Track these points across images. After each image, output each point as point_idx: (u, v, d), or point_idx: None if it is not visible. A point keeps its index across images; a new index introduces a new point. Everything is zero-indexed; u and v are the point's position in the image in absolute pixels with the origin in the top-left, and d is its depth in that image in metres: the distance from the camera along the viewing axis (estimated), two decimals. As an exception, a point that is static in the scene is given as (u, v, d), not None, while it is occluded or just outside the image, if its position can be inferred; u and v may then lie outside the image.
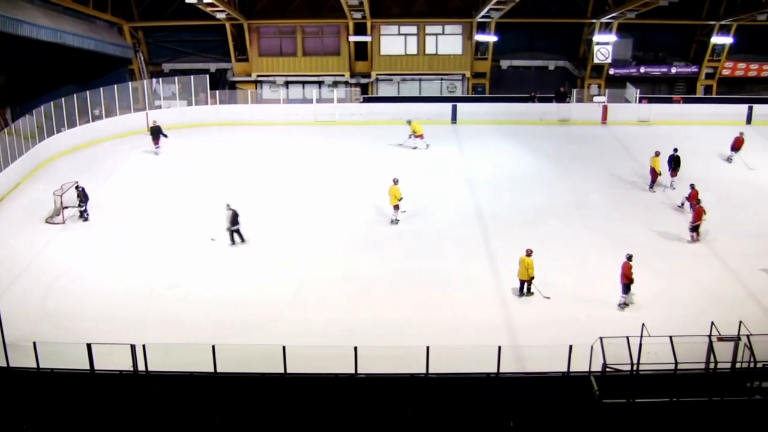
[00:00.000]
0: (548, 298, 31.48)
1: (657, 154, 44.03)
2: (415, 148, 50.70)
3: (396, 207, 39.42)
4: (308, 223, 39.30)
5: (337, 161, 48.41)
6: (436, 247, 36.50)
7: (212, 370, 24.56)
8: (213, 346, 24.45)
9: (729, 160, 50.21)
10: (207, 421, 24.90)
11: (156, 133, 50.12)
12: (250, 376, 24.75)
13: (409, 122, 50.66)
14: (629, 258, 30.68)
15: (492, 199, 42.54)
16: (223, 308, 30.66)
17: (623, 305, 30.99)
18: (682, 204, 40.94)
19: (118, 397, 25.05)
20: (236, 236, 36.47)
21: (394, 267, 34.47)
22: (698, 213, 37.14)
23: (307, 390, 25.00)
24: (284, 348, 24.34)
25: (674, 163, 43.56)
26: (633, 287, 30.74)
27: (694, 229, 37.20)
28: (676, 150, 43.56)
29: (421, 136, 50.72)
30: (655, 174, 43.96)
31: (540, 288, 31.47)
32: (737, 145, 50.02)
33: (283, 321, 29.85)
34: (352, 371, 24.62)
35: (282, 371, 24.57)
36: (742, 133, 50.22)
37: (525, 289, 31.90)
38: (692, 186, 40.18)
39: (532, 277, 31.45)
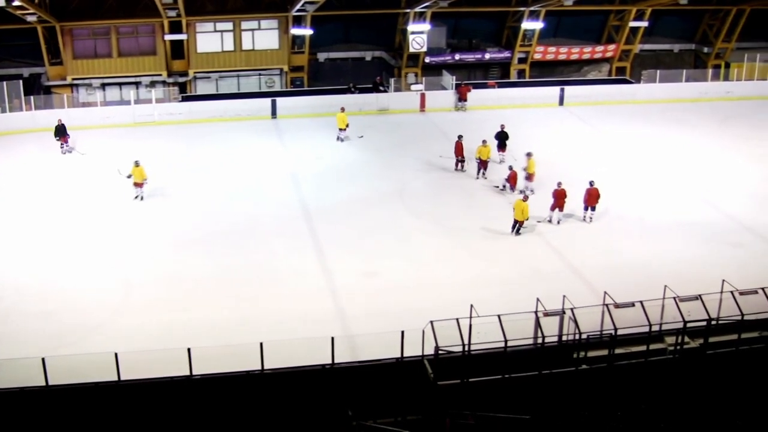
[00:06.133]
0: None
1: (484, 143, 44.41)
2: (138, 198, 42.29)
3: (342, 129, 51.24)
4: (130, 224, 38.65)
5: (157, 161, 47.34)
6: (263, 243, 36.45)
7: (44, 384, 23.87)
8: (43, 359, 23.79)
9: (463, 108, 59.78)
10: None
11: (61, 131, 49.98)
12: (83, 387, 24.20)
13: (137, 163, 42.16)
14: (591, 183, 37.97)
15: (317, 192, 42.75)
16: (50, 319, 29.70)
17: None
18: (504, 186, 42.03)
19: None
20: None
21: (222, 264, 34.24)
22: (513, 176, 41.77)
23: (142, 395, 24.65)
24: (116, 355, 23.90)
25: (502, 139, 44.34)
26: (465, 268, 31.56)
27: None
28: (503, 126, 44.41)
29: (139, 185, 41.93)
30: (481, 162, 44.32)
31: (366, 276, 31.98)
32: (463, 95, 59.80)
33: (113, 326, 29.21)
34: (187, 373, 24.43)
35: (116, 379, 24.12)
36: (461, 84, 60.04)
37: (516, 230, 36.66)
38: (510, 167, 41.43)
39: (527, 218, 36.40)
